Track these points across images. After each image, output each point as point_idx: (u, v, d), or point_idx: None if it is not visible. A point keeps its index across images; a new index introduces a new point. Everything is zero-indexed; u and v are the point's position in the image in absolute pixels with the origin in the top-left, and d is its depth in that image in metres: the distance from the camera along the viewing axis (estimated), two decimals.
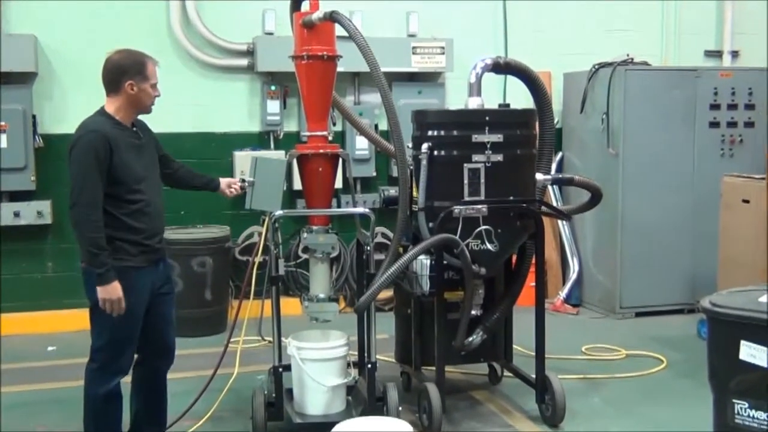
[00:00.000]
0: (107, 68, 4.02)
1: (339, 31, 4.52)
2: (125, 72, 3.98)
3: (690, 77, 7.38)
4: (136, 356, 4.27)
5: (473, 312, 4.91)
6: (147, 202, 4.04)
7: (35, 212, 6.91)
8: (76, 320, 6.95)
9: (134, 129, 4.10)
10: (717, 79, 7.44)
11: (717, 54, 8.62)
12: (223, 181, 4.68)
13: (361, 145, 7.50)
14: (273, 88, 7.42)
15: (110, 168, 3.89)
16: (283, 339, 4.67)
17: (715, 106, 7.42)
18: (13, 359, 6.14)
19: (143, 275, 4.04)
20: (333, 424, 3.84)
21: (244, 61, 7.43)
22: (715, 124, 7.44)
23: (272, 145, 7.56)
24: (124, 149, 3.95)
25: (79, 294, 7.21)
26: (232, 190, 4.67)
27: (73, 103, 6.98)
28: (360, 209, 5.01)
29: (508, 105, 5.36)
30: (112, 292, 3.86)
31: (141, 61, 4.02)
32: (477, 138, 4.77)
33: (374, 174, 7.73)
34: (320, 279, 4.81)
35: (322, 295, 4.78)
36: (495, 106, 5.14)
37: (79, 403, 5.19)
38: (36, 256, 7.14)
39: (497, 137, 4.79)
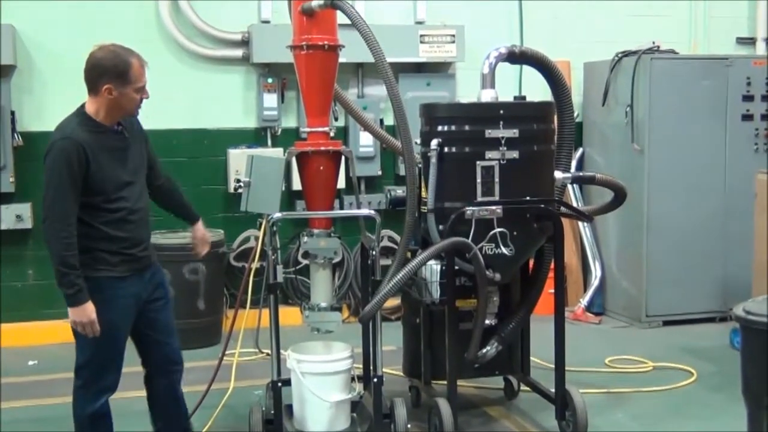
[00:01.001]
0: (87, 66, 3.91)
1: (341, 18, 4.53)
2: (103, 74, 3.85)
3: (721, 66, 7.37)
4: (144, 371, 4.28)
5: (487, 321, 4.91)
6: (130, 209, 3.99)
7: (14, 216, 6.94)
8: (59, 332, 6.93)
9: (119, 128, 4.02)
10: (750, 67, 7.43)
11: (750, 41, 8.62)
12: (199, 230, 4.60)
13: (365, 141, 7.51)
14: (270, 80, 7.44)
15: (87, 178, 3.83)
16: (282, 351, 4.68)
17: (747, 98, 7.41)
18: None
19: (126, 286, 4.01)
20: None
21: (238, 52, 7.45)
22: (748, 117, 7.43)
23: (269, 142, 7.57)
24: (103, 155, 3.89)
25: (63, 304, 7.26)
26: (201, 250, 4.61)
27: (54, 98, 6.99)
28: (365, 211, 5.02)
29: (524, 97, 5.37)
30: (82, 314, 3.82)
31: (124, 62, 3.86)
32: (491, 133, 4.78)
33: (380, 173, 7.74)
34: (322, 286, 4.82)
35: (323, 304, 4.78)
36: (510, 99, 5.15)
37: (62, 422, 5.22)
38: (15, 264, 7.16)
39: (512, 132, 4.79)
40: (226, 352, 4.83)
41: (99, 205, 3.90)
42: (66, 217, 3.79)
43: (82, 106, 3.99)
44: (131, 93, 3.92)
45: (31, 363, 6.52)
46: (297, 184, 5.57)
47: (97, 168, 3.86)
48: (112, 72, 3.86)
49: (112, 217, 3.93)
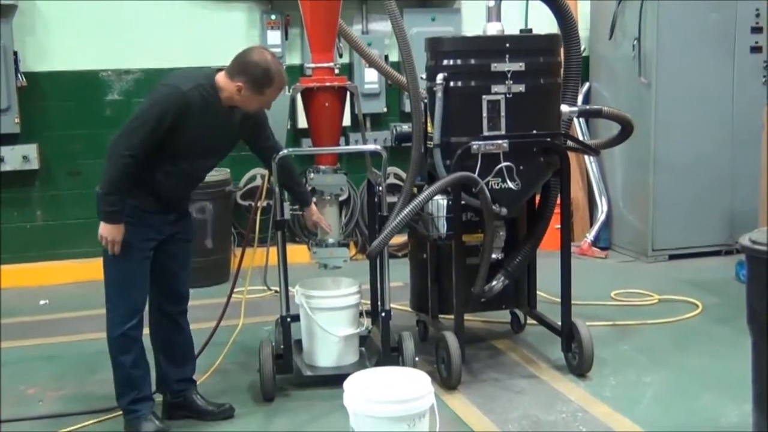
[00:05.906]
0: (241, 54, 4.06)
1: None
2: (246, 72, 4.00)
3: None
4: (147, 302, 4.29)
5: (494, 256, 4.93)
6: (189, 174, 4.16)
7: (21, 157, 6.94)
8: (69, 272, 7.07)
9: (231, 110, 4.12)
10: None
11: None
12: (314, 212, 4.71)
13: (370, 78, 7.48)
14: (273, 17, 7.38)
15: (172, 134, 3.95)
16: (290, 288, 4.72)
17: (756, 29, 7.33)
18: (3, 314, 6.20)
19: (150, 216, 4.10)
20: (345, 376, 3.89)
21: None
22: (756, 49, 7.35)
23: None
24: (199, 125, 3.99)
25: (71, 244, 7.32)
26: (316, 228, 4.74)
27: (57, 37, 6.97)
28: (371, 146, 5.02)
29: (530, 31, 5.32)
30: (112, 232, 3.95)
31: (269, 78, 4.01)
32: (496, 67, 4.75)
33: (385, 110, 7.72)
34: (329, 222, 4.84)
35: (331, 240, 4.82)
36: (516, 32, 5.11)
37: (72, 360, 5.31)
38: (23, 205, 7.19)
39: (518, 66, 4.76)
40: (235, 290, 4.87)
41: (165, 159, 4.03)
42: (134, 148, 3.90)
43: (218, 70, 4.09)
44: (255, 100, 4.07)
45: (42, 302, 6.59)
46: (302, 122, 5.56)
47: (185, 133, 3.98)
48: (253, 78, 3.99)
49: (169, 170, 4.07)
